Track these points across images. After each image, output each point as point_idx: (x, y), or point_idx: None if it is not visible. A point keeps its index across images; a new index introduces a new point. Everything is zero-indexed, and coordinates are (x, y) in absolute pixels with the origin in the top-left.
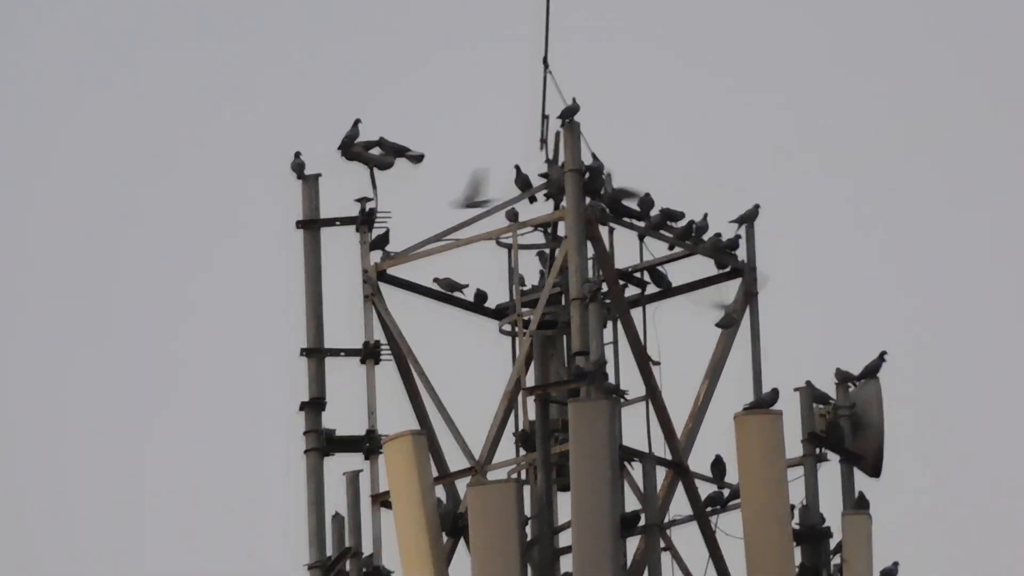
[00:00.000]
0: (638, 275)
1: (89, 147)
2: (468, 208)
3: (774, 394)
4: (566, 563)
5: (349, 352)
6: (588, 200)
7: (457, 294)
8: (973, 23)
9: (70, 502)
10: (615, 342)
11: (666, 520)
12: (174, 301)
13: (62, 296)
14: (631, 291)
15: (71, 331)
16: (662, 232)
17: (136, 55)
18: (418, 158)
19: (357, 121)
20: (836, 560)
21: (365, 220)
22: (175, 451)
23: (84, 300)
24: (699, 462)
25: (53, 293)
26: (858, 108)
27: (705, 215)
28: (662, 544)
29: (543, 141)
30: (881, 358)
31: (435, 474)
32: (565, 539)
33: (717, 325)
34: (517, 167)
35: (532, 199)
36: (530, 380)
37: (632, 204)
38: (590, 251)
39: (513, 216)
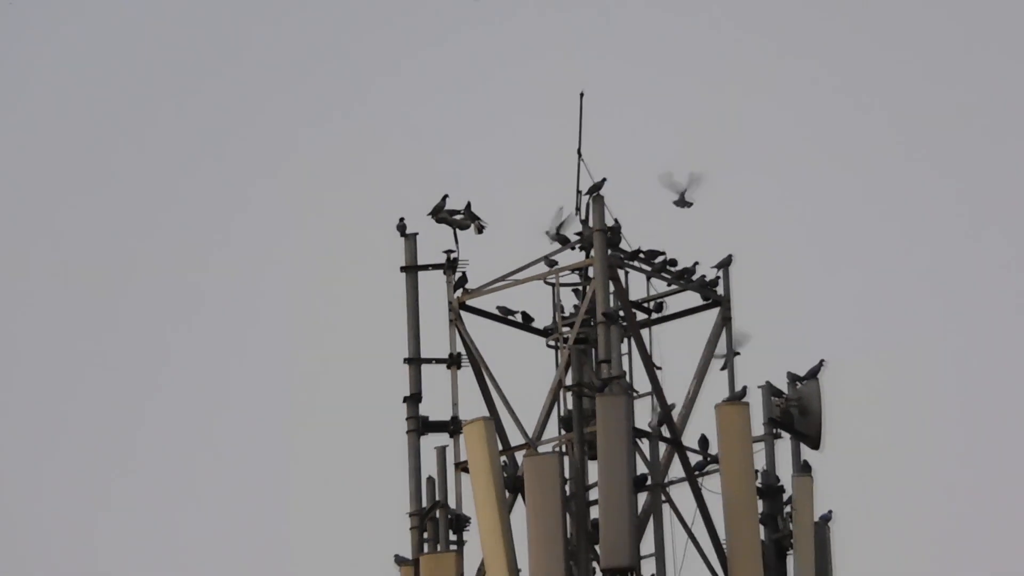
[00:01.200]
0: (646, 305)
1: (230, 203)
2: (556, 235)
3: (743, 391)
4: (594, 511)
5: (439, 360)
6: (609, 251)
7: (512, 317)
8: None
9: (214, 500)
10: (629, 353)
11: (665, 480)
12: (314, 325)
13: (210, 324)
14: (640, 316)
15: (226, 359)
16: (663, 274)
17: (270, 131)
18: (481, 228)
19: (445, 196)
20: (788, 509)
21: (450, 266)
22: (321, 432)
23: (232, 329)
24: (690, 439)
25: (198, 321)
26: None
27: (695, 263)
28: (663, 498)
29: (577, 209)
30: (820, 364)
31: (500, 448)
32: (593, 495)
33: (547, 234)
34: (559, 229)
35: (572, 247)
36: (568, 380)
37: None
38: (612, 288)
39: (552, 263)
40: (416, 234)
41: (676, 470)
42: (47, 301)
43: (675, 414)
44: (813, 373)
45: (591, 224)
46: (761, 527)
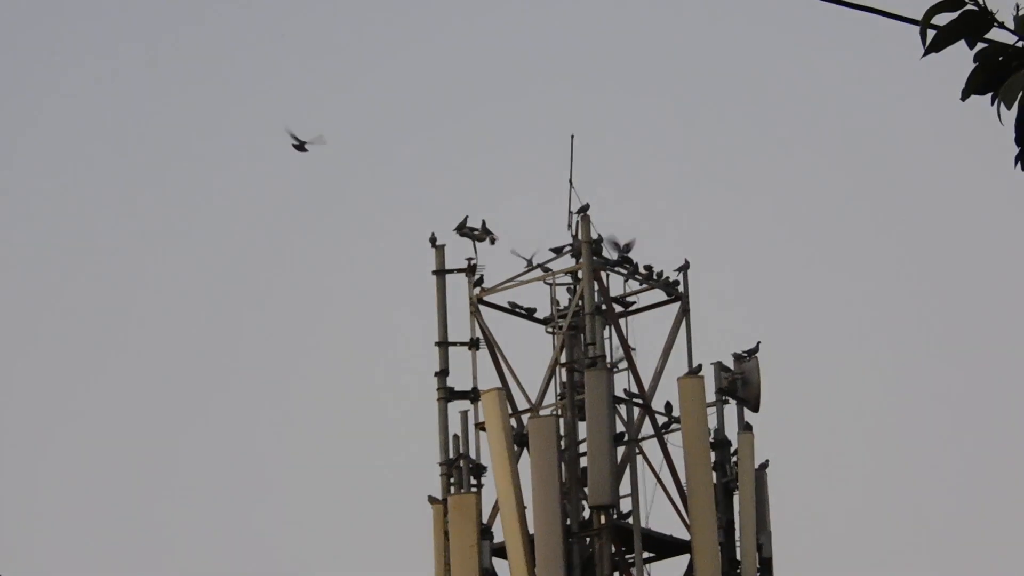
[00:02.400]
0: (625, 299)
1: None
2: (616, 251)
3: (699, 367)
4: (583, 461)
5: (462, 343)
6: (594, 258)
7: (519, 310)
8: None
9: (298, 457)
10: (610, 338)
11: (639, 437)
12: (366, 318)
13: (273, 322)
14: (618, 308)
15: (298, 345)
16: (636, 276)
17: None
18: (494, 240)
19: (466, 217)
20: (734, 459)
21: (470, 270)
22: (370, 400)
23: (302, 322)
24: (658, 404)
25: (263, 322)
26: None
27: (662, 270)
28: (637, 451)
29: (569, 226)
30: (757, 345)
31: (510, 412)
32: (583, 448)
33: (613, 246)
34: (559, 247)
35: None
36: (563, 359)
37: (613, 253)
38: (596, 287)
39: (547, 269)
40: (444, 245)
41: (647, 429)
42: (56, 299)
43: (646, 384)
44: (752, 352)
45: (580, 237)
46: (713, 473)
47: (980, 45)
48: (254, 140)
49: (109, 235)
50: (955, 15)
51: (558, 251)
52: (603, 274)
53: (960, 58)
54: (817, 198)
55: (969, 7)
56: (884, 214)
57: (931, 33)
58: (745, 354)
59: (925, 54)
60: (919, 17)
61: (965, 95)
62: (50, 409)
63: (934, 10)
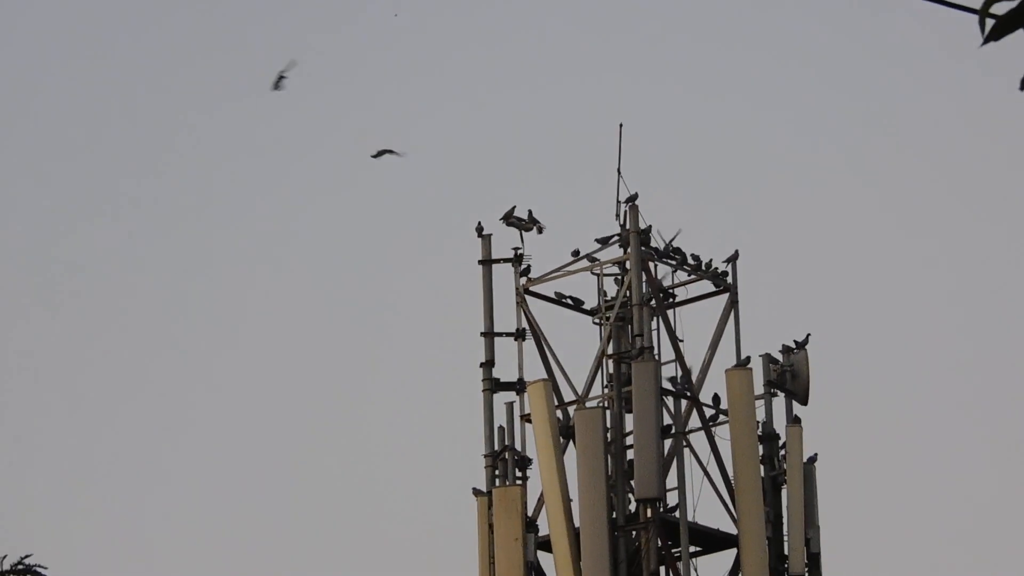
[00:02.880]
0: (671, 291)
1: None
2: (670, 245)
3: (747, 359)
4: (630, 454)
5: (508, 334)
6: (642, 248)
7: (565, 300)
8: None
9: (344, 448)
10: (658, 329)
11: (686, 429)
12: (415, 307)
13: (327, 308)
14: (666, 299)
15: (340, 344)
16: (684, 266)
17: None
18: (542, 229)
19: (513, 207)
20: (782, 452)
21: (517, 259)
22: (417, 390)
23: (363, 311)
24: (705, 396)
25: (313, 311)
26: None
27: (711, 260)
28: (684, 443)
29: (618, 216)
30: (807, 338)
31: (556, 403)
32: (629, 441)
33: (665, 245)
34: (606, 237)
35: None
36: (609, 350)
37: (662, 242)
38: (644, 277)
39: (594, 259)
40: (491, 235)
41: (694, 421)
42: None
43: (693, 377)
44: (802, 345)
45: (627, 227)
46: (761, 467)
47: None
48: (306, 134)
49: (110, 236)
50: (1014, 4)
51: (604, 241)
52: (651, 265)
53: (1020, 47)
54: (869, 189)
55: None
56: (937, 207)
57: (990, 22)
58: (794, 346)
59: (984, 43)
60: (977, 7)
61: None
62: (55, 411)
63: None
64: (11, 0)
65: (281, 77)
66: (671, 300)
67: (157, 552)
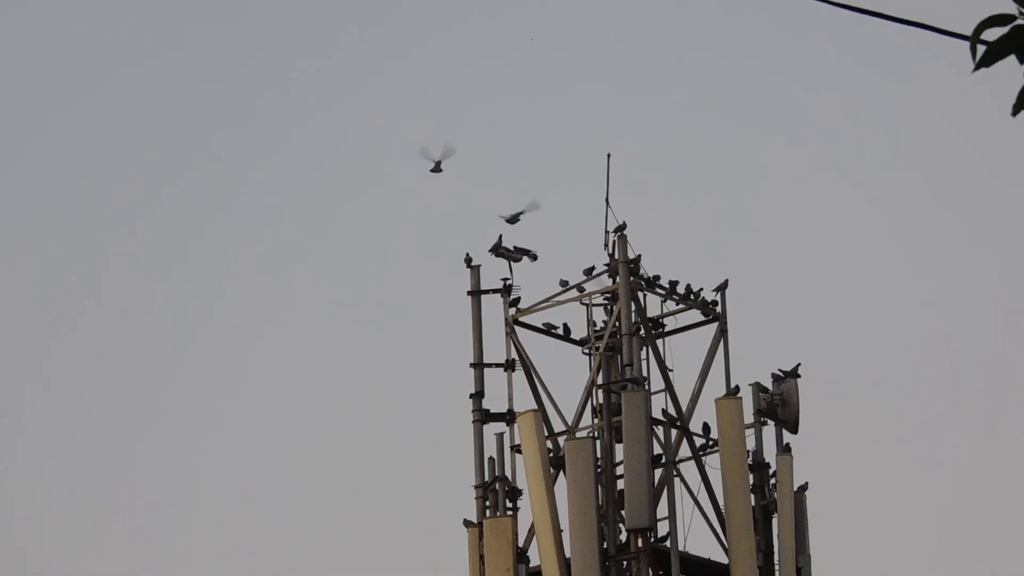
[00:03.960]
0: (661, 320)
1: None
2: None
3: (737, 388)
4: (620, 484)
5: (497, 365)
6: (631, 279)
7: (555, 331)
8: None
9: (331, 475)
10: (647, 359)
11: (676, 459)
12: (403, 338)
13: (328, 339)
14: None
15: (329, 373)
16: (672, 296)
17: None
18: (534, 258)
19: (500, 236)
20: (773, 481)
21: (506, 290)
22: (405, 421)
23: (340, 348)
24: (695, 426)
25: (318, 334)
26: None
27: (700, 289)
28: (675, 473)
29: (606, 246)
30: (796, 367)
31: (546, 434)
32: (620, 471)
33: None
34: (590, 268)
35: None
36: (599, 380)
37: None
38: (633, 307)
39: (582, 289)
40: (479, 266)
41: (684, 451)
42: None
43: (683, 406)
44: (792, 374)
45: (617, 257)
46: (752, 495)
47: None
48: (295, 152)
49: (114, 240)
50: (1005, 30)
51: (589, 272)
52: (640, 295)
53: (1010, 73)
54: (858, 217)
55: (1019, 22)
56: (928, 234)
57: (981, 48)
58: (784, 375)
59: (976, 69)
60: (968, 32)
61: (1016, 110)
62: (60, 412)
63: (984, 25)
64: (47, 16)
65: (438, 164)
66: (660, 329)
67: (157, 552)
